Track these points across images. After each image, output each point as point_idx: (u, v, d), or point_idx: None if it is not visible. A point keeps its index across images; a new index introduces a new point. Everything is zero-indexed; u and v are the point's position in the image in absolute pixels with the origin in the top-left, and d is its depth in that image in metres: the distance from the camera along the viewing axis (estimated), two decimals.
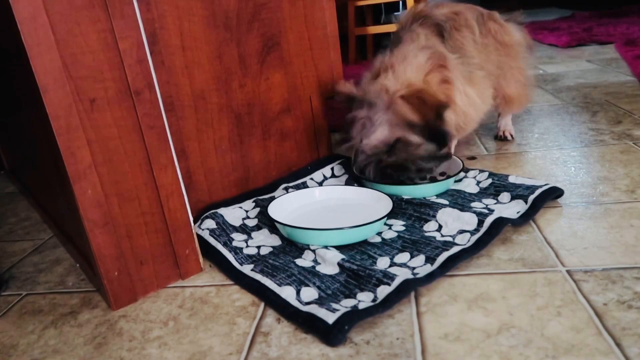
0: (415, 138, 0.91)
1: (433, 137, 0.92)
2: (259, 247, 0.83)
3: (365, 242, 0.81)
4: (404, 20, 1.08)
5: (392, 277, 0.67)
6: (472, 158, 1.14)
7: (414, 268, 0.72)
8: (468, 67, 1.00)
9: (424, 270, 0.71)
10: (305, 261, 0.78)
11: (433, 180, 0.98)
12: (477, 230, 0.79)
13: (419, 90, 0.91)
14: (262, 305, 0.70)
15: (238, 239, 0.86)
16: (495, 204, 0.88)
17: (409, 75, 0.93)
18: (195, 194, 0.93)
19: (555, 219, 0.82)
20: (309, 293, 0.69)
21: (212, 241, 0.84)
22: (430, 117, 0.90)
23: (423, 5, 1.09)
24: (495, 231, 0.77)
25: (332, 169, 1.09)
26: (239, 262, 0.79)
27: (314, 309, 0.64)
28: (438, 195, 0.94)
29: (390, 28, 2.58)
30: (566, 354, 0.54)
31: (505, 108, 1.19)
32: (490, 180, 0.96)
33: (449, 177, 0.96)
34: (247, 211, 0.94)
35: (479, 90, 1.01)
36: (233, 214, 0.91)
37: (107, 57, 0.67)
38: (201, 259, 0.81)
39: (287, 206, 0.92)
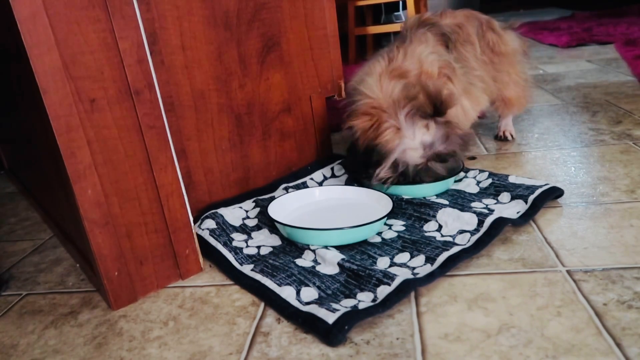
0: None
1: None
2: (259, 247, 0.83)
3: (365, 242, 0.81)
4: (410, 23, 1.08)
5: (392, 277, 0.67)
6: (472, 158, 1.14)
7: (414, 268, 0.72)
8: (469, 78, 1.02)
9: (424, 270, 0.71)
10: (305, 261, 0.78)
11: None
12: (477, 230, 0.79)
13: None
14: (262, 305, 0.70)
15: (238, 239, 0.86)
16: (495, 204, 0.88)
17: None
18: (195, 194, 0.93)
19: (555, 219, 0.82)
20: (309, 293, 0.69)
21: (212, 241, 0.84)
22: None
23: (429, 14, 1.10)
24: (495, 231, 0.77)
25: (332, 169, 1.09)
26: (239, 262, 0.79)
27: (314, 309, 0.64)
28: (438, 195, 0.94)
29: (390, 28, 2.58)
30: (566, 354, 0.54)
31: (505, 110, 1.20)
32: (490, 180, 0.96)
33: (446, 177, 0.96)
34: (247, 211, 0.94)
35: (474, 101, 1.03)
36: (233, 214, 0.91)
37: (107, 57, 0.67)
38: (201, 259, 0.81)
39: (287, 206, 0.92)
